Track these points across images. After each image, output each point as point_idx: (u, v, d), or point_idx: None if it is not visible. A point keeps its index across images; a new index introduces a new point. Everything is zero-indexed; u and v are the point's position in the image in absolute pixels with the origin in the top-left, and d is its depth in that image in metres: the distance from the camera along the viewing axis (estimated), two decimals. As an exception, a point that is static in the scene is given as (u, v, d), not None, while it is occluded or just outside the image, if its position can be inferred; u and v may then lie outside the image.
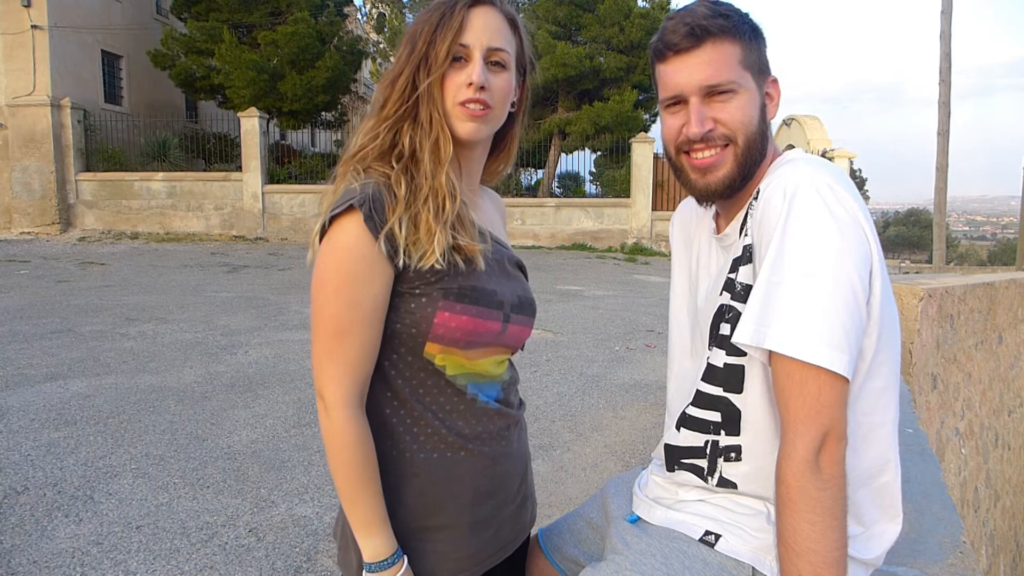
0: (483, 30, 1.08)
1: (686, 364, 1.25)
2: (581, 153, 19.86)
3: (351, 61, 19.39)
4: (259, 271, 11.79)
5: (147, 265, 12.24)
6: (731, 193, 1.15)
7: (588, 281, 11.54)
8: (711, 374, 1.13)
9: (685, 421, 1.18)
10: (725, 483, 1.13)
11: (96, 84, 18.51)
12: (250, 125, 17.15)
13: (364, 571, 1.06)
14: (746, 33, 1.11)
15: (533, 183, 19.66)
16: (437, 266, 1.03)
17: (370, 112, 1.14)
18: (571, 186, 20.17)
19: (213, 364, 5.65)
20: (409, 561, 1.09)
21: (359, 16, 25.56)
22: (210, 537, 2.93)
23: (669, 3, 18.05)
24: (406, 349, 1.08)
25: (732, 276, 1.12)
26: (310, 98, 17.92)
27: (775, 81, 1.17)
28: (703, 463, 1.16)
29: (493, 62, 1.09)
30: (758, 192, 1.08)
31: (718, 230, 1.23)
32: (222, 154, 18.91)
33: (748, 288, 1.07)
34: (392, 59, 1.30)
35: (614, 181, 17.80)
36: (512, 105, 1.17)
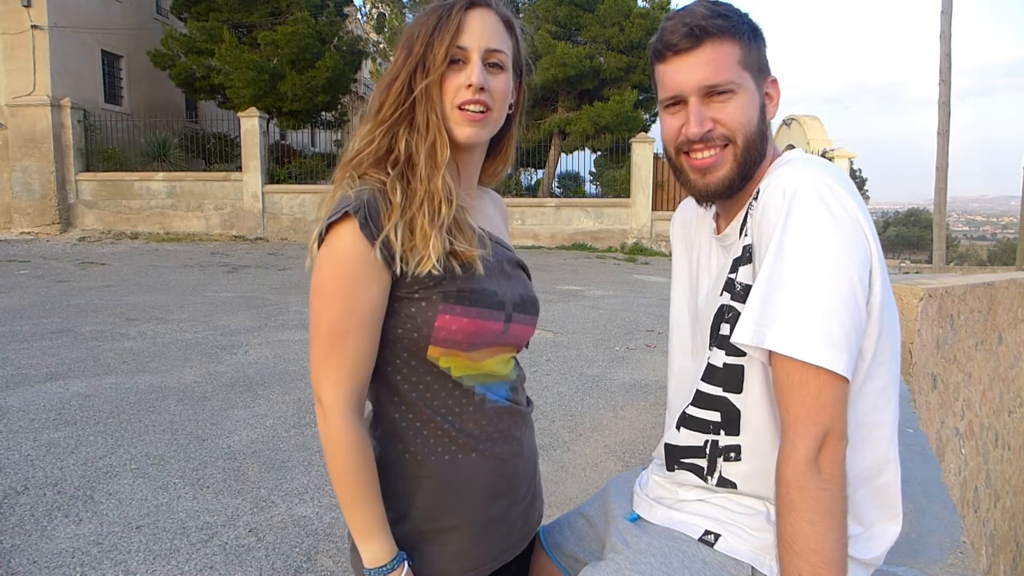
0: (481, 32, 1.08)
1: (686, 364, 1.25)
2: (581, 153, 19.89)
3: (351, 61, 19.39)
4: (259, 271, 11.79)
5: (147, 265, 12.24)
6: (731, 193, 1.15)
7: (588, 281, 11.53)
8: (711, 374, 1.13)
9: (685, 421, 1.18)
10: (725, 483, 1.14)
11: (96, 84, 18.50)
12: (250, 125, 17.16)
13: None
14: (745, 33, 1.11)
15: (533, 183, 19.67)
16: (434, 272, 1.03)
17: (366, 116, 1.14)
18: (571, 186, 20.18)
19: (213, 364, 5.65)
20: (421, 562, 1.09)
21: (359, 16, 25.56)
22: (210, 537, 2.93)
23: (669, 3, 18.05)
24: (409, 353, 1.08)
25: (732, 276, 1.12)
26: (310, 98, 17.93)
27: (775, 81, 1.17)
28: (703, 463, 1.16)
29: (491, 63, 1.09)
30: (758, 192, 1.08)
31: (718, 230, 1.23)
32: (222, 154, 18.90)
33: (748, 288, 1.06)
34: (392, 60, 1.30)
35: (614, 181, 17.81)
36: (509, 107, 1.17)
